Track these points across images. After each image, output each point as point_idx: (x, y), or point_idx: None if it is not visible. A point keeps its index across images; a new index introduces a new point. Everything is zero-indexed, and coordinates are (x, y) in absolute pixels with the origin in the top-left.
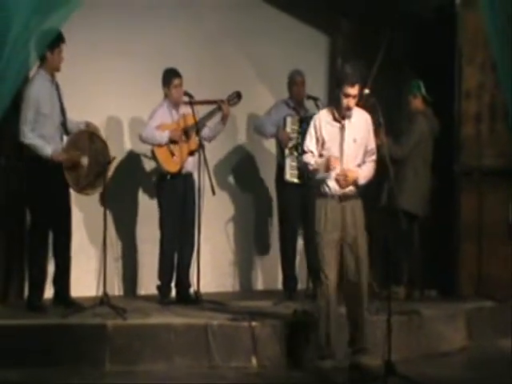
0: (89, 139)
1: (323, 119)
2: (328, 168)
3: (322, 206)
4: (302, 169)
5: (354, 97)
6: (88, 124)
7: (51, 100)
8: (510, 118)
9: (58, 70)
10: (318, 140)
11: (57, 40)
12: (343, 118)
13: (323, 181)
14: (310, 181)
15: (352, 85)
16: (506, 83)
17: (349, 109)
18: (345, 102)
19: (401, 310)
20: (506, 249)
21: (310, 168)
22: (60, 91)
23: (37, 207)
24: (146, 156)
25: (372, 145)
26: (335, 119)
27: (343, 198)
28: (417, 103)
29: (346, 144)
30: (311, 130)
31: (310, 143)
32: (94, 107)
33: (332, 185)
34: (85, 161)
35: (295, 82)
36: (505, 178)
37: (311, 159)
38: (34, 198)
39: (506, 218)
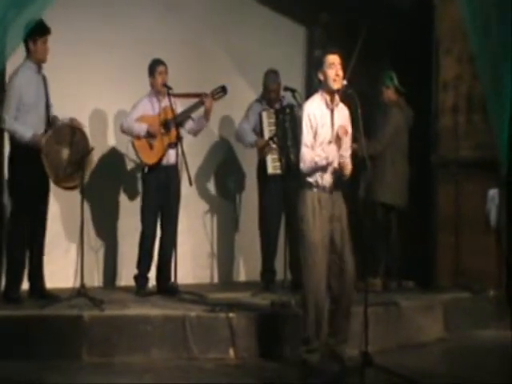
0: (70, 133)
1: (315, 106)
2: (339, 139)
3: (313, 197)
4: (307, 165)
5: (339, 64)
6: (72, 120)
7: (36, 90)
8: (488, 110)
9: (43, 61)
10: (314, 130)
11: (39, 31)
12: (334, 93)
13: (315, 172)
14: (300, 171)
15: (332, 54)
16: (484, 75)
17: (338, 76)
18: (332, 72)
19: (378, 301)
20: (483, 240)
21: (320, 163)
22: (47, 84)
23: (17, 197)
24: (128, 156)
25: (348, 142)
26: (326, 105)
27: (332, 188)
28: (389, 94)
29: (336, 128)
30: (306, 121)
31: (308, 137)
32: (76, 100)
33: (325, 176)
34: (65, 154)
35: (269, 88)
36: (482, 169)
37: (316, 152)
38: (16, 187)
39: (483, 210)
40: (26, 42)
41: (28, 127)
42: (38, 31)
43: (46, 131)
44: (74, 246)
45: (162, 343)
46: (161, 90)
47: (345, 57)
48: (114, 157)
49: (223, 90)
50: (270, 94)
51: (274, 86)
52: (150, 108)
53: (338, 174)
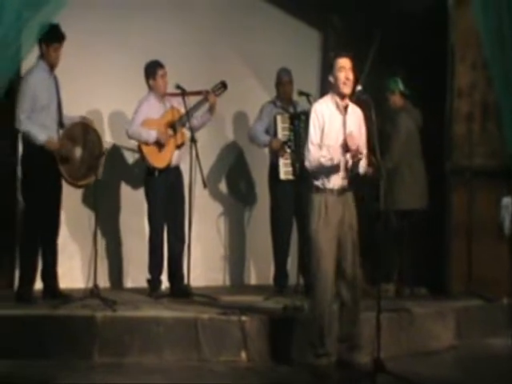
0: (83, 131)
1: (324, 106)
2: (347, 149)
3: (320, 201)
4: (312, 164)
5: (350, 69)
6: (83, 117)
7: (48, 91)
8: (502, 117)
9: (54, 65)
10: (321, 129)
11: (52, 37)
12: (344, 97)
13: (323, 175)
14: (308, 174)
15: (342, 57)
16: (498, 82)
17: (348, 80)
18: (342, 75)
19: (390, 307)
20: (496, 247)
21: (325, 164)
22: (58, 85)
23: (30, 198)
24: (131, 150)
25: (362, 141)
26: (337, 108)
27: (341, 191)
28: (395, 99)
29: (346, 133)
30: (314, 120)
31: (315, 136)
32: (87, 102)
33: (332, 179)
34: (78, 153)
35: (282, 82)
36: (496, 177)
37: (322, 153)
38: (29, 188)
39: (497, 217)
40: (39, 43)
41: (42, 130)
42: (51, 37)
43: (58, 131)
44: (80, 247)
45: (174, 345)
46: (163, 92)
47: (359, 62)
48: (118, 156)
49: (223, 85)
50: (283, 89)
51: (286, 78)
52: (152, 111)
53: (349, 175)
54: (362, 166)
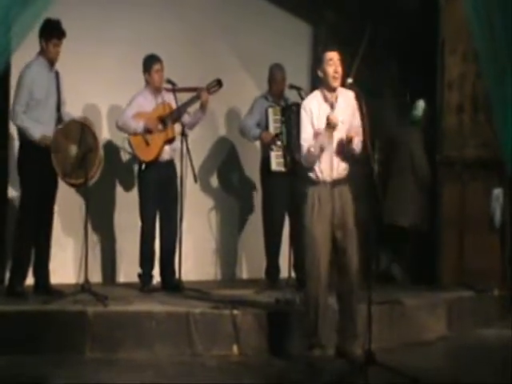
0: (80, 130)
1: (313, 102)
2: (330, 127)
3: (313, 193)
4: (305, 162)
5: (338, 61)
6: (85, 118)
7: (47, 86)
8: (492, 109)
9: (54, 61)
10: (312, 125)
11: (53, 33)
12: (334, 90)
13: (312, 161)
14: (303, 167)
15: (331, 51)
16: (488, 74)
17: (336, 73)
18: (331, 69)
19: (382, 299)
20: (487, 239)
21: (312, 151)
22: (60, 81)
23: (25, 193)
24: (124, 149)
25: (356, 122)
26: (325, 100)
27: (334, 183)
28: None
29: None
30: (304, 118)
31: (305, 134)
32: (75, 94)
33: (325, 170)
34: (73, 150)
35: (275, 78)
36: (487, 168)
37: (313, 145)
38: (24, 183)
39: (488, 209)
40: (40, 38)
41: (37, 125)
42: (51, 32)
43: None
44: (73, 242)
45: (166, 339)
46: (158, 87)
47: (350, 55)
48: (111, 151)
49: (218, 83)
50: (276, 86)
51: (279, 75)
52: (145, 104)
53: (346, 156)
54: (357, 144)
